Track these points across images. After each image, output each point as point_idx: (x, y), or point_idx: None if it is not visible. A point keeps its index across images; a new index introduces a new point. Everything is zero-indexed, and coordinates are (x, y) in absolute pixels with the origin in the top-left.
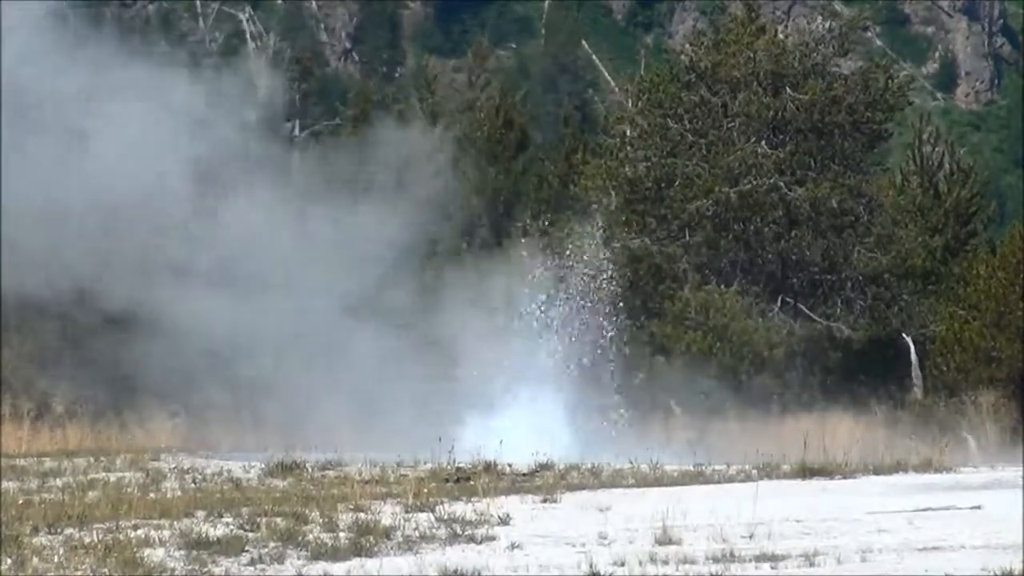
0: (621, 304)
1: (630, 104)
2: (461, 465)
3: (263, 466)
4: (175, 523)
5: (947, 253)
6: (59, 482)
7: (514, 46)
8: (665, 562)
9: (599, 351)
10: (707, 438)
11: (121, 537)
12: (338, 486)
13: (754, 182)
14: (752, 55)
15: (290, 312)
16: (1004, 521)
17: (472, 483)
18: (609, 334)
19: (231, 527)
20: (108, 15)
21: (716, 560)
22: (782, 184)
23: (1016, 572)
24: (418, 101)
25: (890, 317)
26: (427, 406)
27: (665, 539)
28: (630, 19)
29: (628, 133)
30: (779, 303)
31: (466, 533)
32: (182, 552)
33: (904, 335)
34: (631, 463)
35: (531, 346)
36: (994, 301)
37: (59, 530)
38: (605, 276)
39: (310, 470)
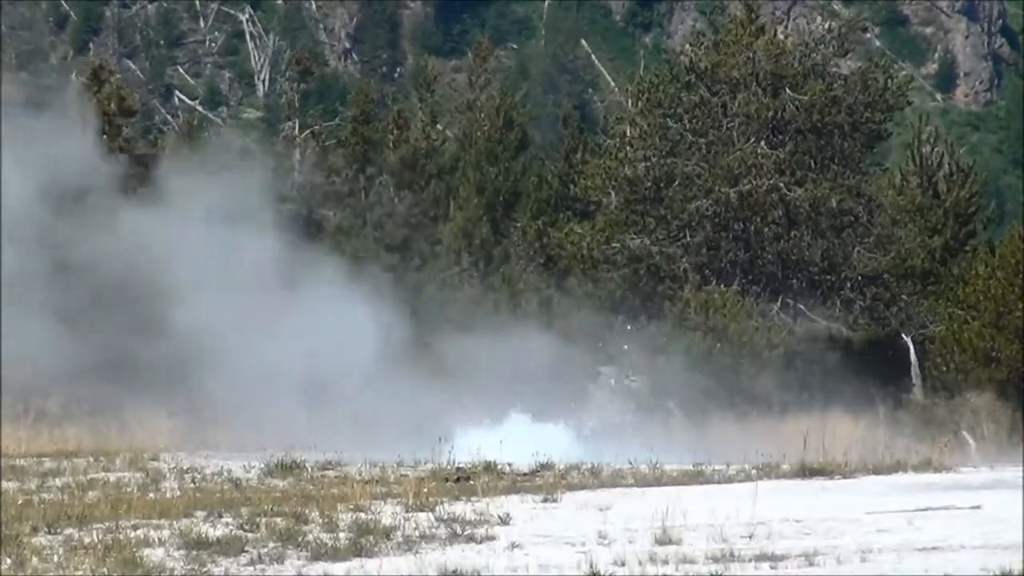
0: (621, 304)
1: (630, 104)
2: (461, 465)
3: (263, 466)
4: (174, 523)
5: (946, 253)
6: (59, 482)
7: (514, 46)
8: (665, 562)
9: (598, 351)
10: (707, 438)
11: (121, 537)
12: (338, 486)
13: (754, 182)
14: (751, 55)
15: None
16: (1004, 521)
17: (472, 483)
18: (608, 333)
19: (231, 527)
20: (108, 15)
21: (716, 560)
22: (782, 184)
23: (1016, 572)
24: (418, 101)
25: (890, 317)
26: (427, 406)
27: (665, 539)
28: (629, 19)
29: (628, 133)
30: (779, 303)
31: (466, 533)
32: (181, 552)
33: (904, 335)
34: (631, 463)
35: (531, 345)
36: (993, 301)
37: (59, 530)
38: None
39: (310, 470)
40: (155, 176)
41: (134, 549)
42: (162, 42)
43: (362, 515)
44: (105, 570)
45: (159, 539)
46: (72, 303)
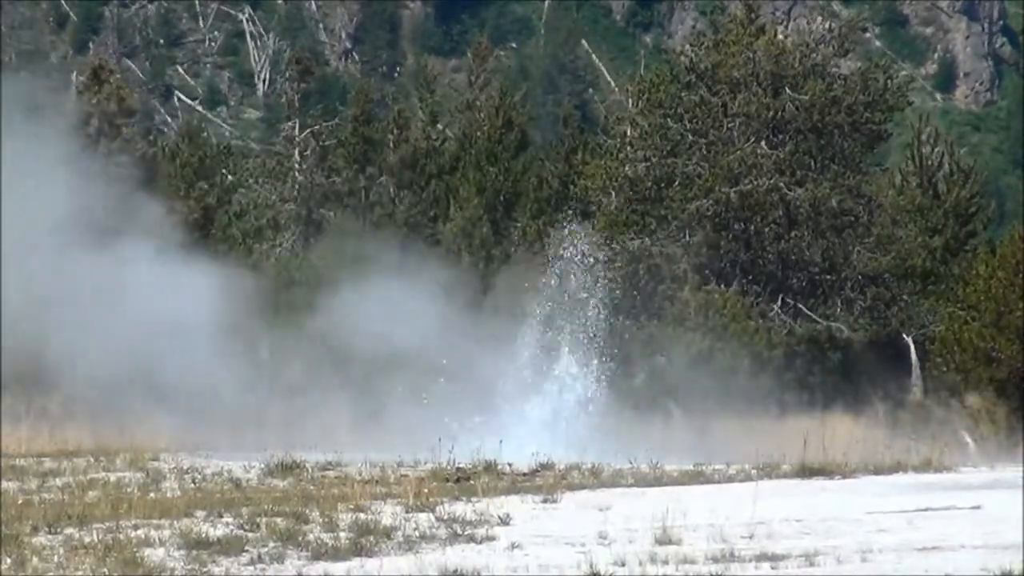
0: (620, 304)
1: (630, 104)
2: (461, 465)
3: (263, 466)
4: (175, 523)
5: (947, 253)
6: (59, 482)
7: (514, 46)
8: (665, 562)
9: (599, 351)
10: (707, 438)
11: (121, 537)
12: (338, 486)
13: (754, 182)
14: (752, 55)
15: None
16: (1004, 521)
17: (472, 483)
18: (608, 334)
19: (231, 527)
20: (108, 15)
21: (716, 560)
22: (782, 184)
23: (1016, 572)
24: (418, 101)
25: (890, 317)
26: (427, 406)
27: (665, 539)
28: (630, 19)
29: (628, 133)
30: (779, 303)
31: (466, 533)
32: (182, 552)
33: (904, 335)
34: (631, 463)
35: (530, 345)
36: (994, 301)
37: (59, 530)
38: (604, 276)
39: (310, 470)
40: None
41: (134, 549)
42: (162, 42)
43: (362, 515)
44: (105, 570)
45: (159, 539)
46: None
